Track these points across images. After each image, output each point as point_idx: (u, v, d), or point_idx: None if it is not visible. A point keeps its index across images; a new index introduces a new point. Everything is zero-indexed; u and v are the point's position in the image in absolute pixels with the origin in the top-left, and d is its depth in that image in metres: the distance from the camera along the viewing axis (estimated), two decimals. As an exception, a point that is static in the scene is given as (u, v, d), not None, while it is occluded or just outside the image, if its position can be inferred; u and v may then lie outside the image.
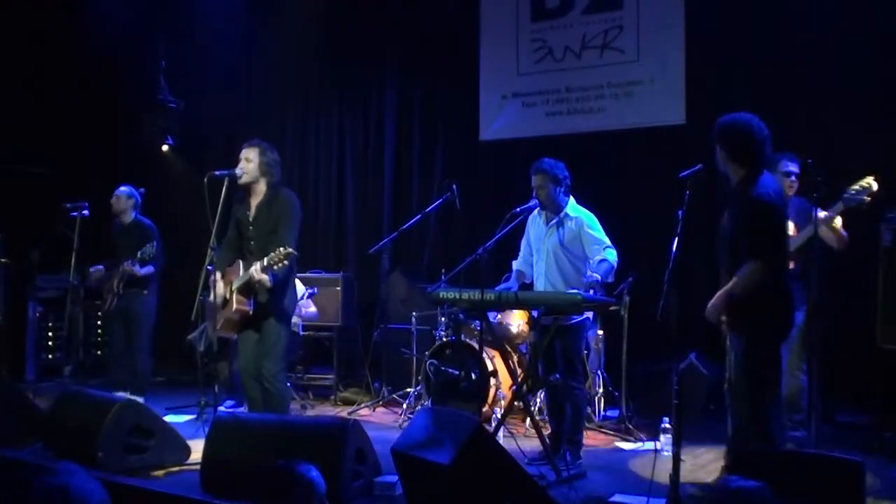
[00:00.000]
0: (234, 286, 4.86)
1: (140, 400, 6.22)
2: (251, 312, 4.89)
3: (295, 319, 6.77)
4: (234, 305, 4.84)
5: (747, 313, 3.77)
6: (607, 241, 4.83)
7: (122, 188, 6.92)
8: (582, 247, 4.84)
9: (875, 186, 4.77)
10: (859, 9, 6.16)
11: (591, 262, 4.79)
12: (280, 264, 4.67)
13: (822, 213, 4.73)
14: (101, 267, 6.99)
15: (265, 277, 4.74)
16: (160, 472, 4.65)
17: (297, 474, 2.84)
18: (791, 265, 5.00)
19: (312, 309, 7.14)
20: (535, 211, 5.03)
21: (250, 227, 5.02)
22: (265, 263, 4.69)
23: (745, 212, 3.78)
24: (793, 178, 5.15)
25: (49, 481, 2.23)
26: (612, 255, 4.77)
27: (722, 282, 3.90)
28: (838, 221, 4.94)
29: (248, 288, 4.84)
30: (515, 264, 5.21)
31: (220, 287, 4.97)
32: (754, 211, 3.74)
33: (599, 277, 4.62)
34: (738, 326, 3.83)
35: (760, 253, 3.70)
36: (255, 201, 5.04)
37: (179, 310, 7.35)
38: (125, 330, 6.76)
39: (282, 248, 4.64)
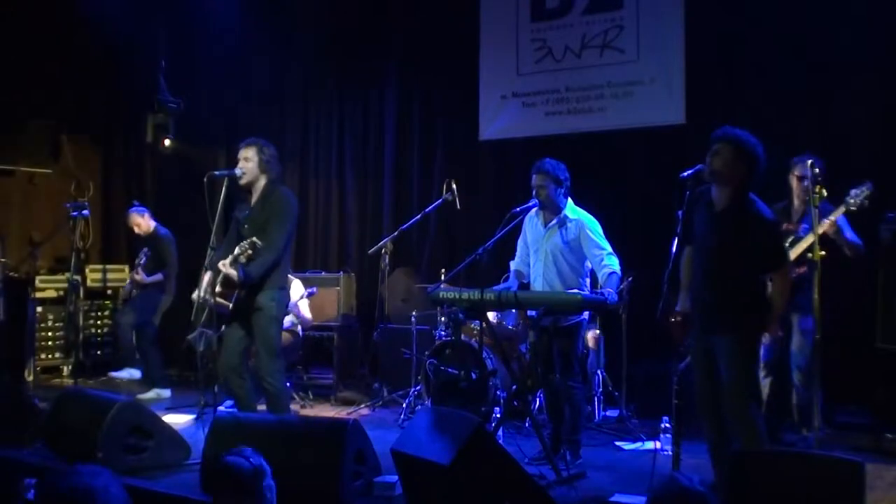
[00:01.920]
0: (219, 279, 4.94)
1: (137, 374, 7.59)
2: (230, 306, 4.93)
3: (293, 320, 6.77)
4: (216, 298, 4.93)
5: (741, 314, 3.82)
6: (608, 247, 4.81)
7: (131, 212, 7.52)
8: (581, 248, 4.84)
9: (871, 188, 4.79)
10: (860, 8, 6.15)
11: (599, 276, 4.78)
12: (245, 255, 4.75)
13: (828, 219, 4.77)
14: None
15: (233, 272, 4.79)
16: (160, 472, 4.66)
17: (233, 463, 2.75)
18: (803, 269, 5.00)
19: (307, 313, 7.06)
20: (533, 211, 5.03)
21: (245, 226, 5.03)
22: (234, 254, 4.78)
23: (758, 229, 3.83)
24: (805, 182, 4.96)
25: (69, 483, 2.09)
26: (615, 264, 4.74)
27: (687, 281, 4.04)
28: (826, 224, 4.90)
29: (229, 282, 4.90)
30: (513, 265, 5.21)
31: (205, 282, 5.04)
32: (771, 231, 3.93)
33: (614, 291, 4.63)
34: (730, 327, 3.84)
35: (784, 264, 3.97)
36: (254, 199, 5.07)
37: (179, 310, 7.40)
38: None
39: (251, 240, 4.75)
